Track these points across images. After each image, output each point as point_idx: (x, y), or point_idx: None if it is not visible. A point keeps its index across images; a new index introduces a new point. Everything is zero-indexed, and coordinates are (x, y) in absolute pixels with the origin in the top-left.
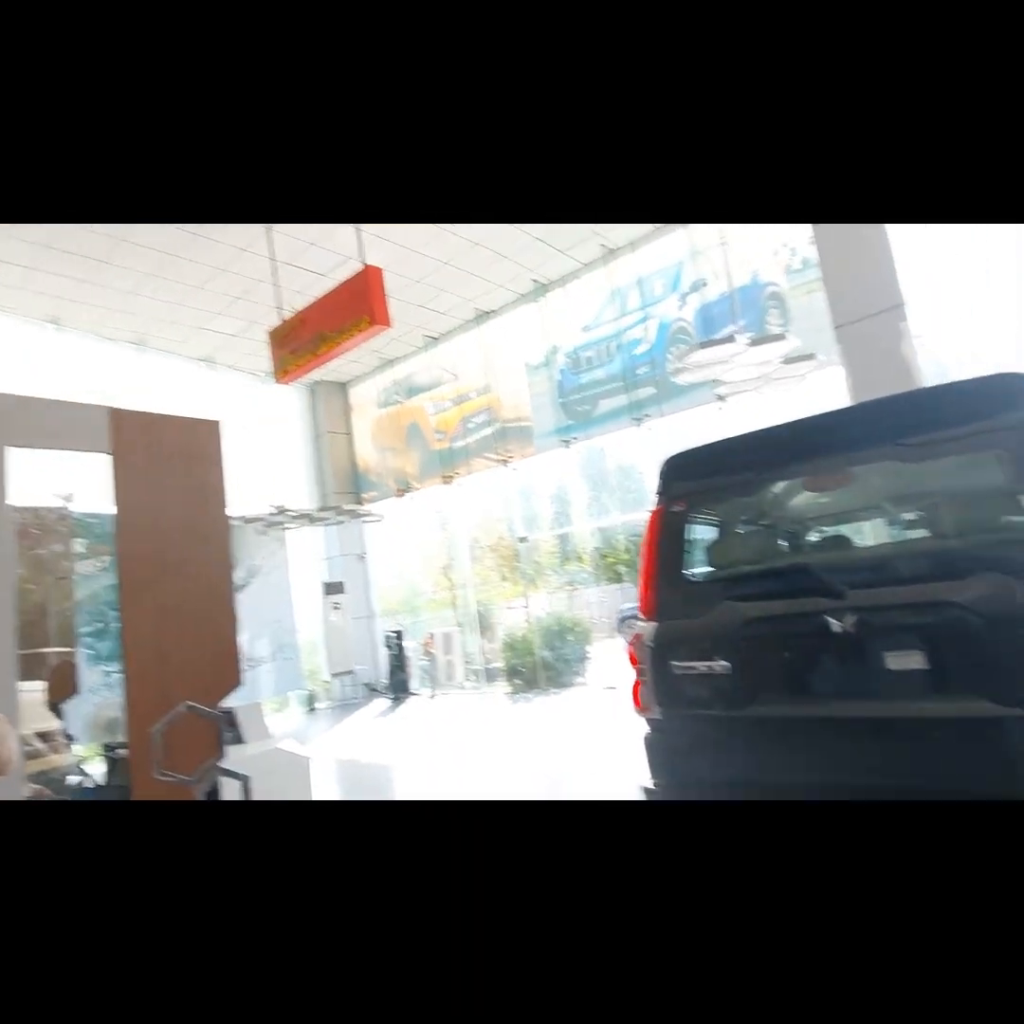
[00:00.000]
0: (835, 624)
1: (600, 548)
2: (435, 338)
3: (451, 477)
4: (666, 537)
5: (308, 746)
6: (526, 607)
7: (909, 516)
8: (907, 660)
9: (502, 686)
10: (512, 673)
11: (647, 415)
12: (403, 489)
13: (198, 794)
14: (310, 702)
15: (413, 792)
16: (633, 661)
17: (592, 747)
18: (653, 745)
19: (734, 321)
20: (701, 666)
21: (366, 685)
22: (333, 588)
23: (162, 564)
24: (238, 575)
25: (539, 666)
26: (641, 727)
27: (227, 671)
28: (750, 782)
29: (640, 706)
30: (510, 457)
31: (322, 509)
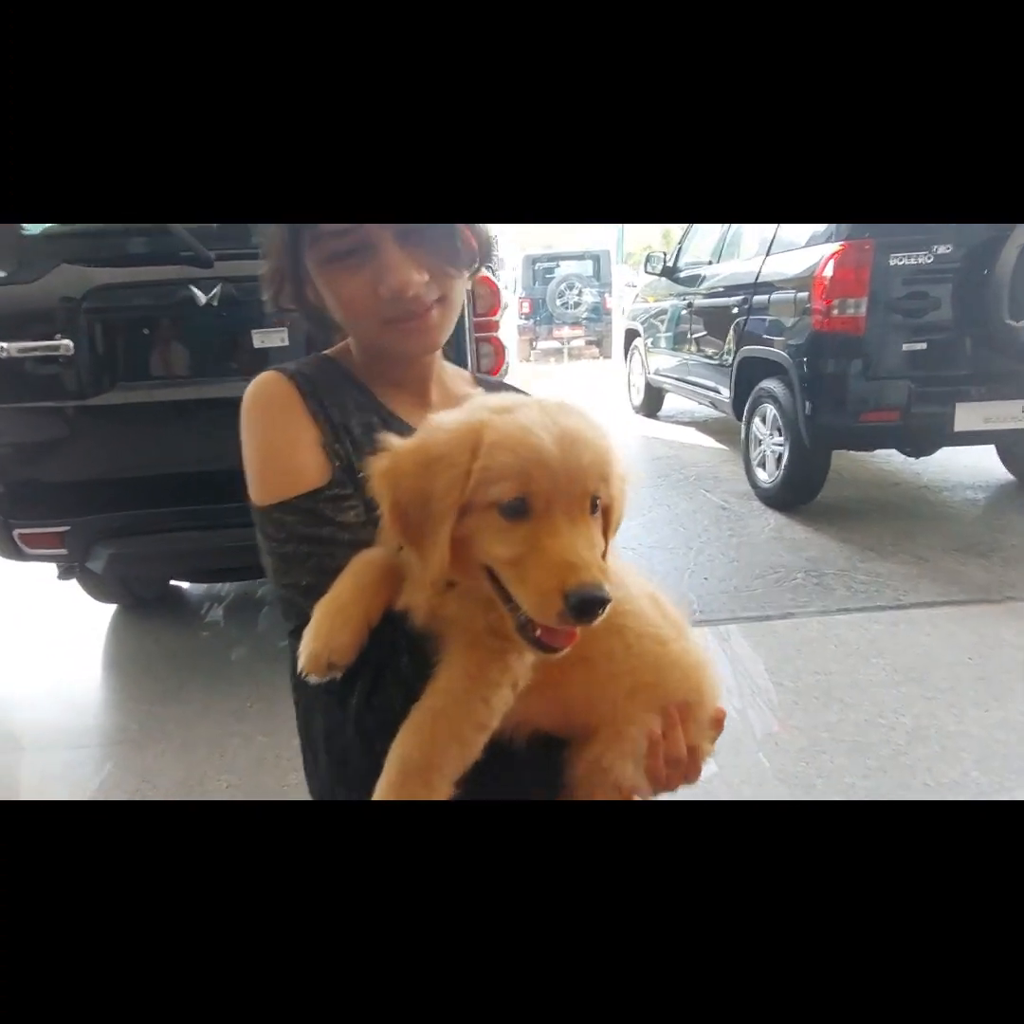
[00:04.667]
0: (201, 297)
1: None
2: None
3: None
4: None
5: None
6: None
7: None
8: (273, 337)
9: None
10: None
11: None
12: None
13: None
14: None
15: None
16: None
17: None
18: None
19: None
20: (36, 347)
21: None
22: None
23: None
24: None
25: None
26: None
27: None
28: (103, 479)
29: None
30: None
31: None
